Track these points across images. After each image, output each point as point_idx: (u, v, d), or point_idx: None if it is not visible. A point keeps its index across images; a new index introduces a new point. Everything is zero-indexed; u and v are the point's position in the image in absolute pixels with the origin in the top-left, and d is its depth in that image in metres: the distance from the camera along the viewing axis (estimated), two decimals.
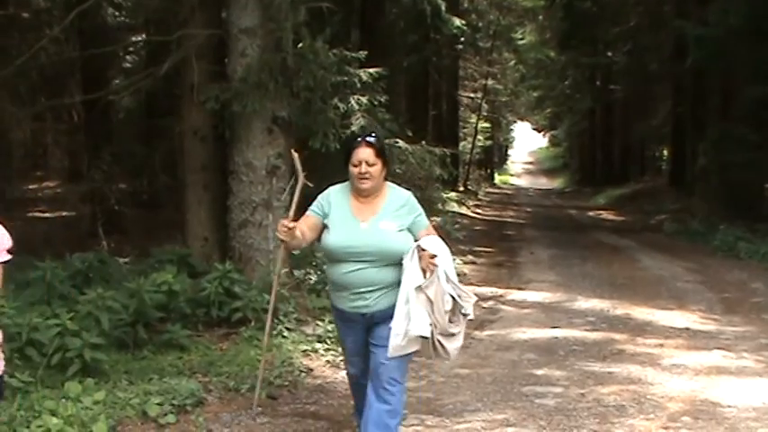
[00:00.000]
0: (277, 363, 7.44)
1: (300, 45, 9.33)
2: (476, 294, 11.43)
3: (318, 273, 10.05)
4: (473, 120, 41.24)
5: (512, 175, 66.92)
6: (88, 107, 15.98)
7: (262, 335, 8.03)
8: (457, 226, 19.42)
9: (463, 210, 26.85)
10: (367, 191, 4.96)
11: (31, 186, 21.17)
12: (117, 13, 17.42)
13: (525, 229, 23.55)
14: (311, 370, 7.62)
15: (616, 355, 8.31)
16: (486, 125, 45.60)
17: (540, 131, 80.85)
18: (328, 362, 7.92)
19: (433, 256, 4.74)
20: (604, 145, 46.19)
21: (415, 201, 5.11)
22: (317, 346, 8.19)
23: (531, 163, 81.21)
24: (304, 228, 4.99)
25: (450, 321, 4.83)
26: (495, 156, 59.91)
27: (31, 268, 8.32)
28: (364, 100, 10.73)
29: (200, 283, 8.35)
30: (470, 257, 15.83)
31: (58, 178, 21.77)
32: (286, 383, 7.12)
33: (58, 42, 13.09)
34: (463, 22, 21.47)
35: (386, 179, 5.08)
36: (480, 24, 30.86)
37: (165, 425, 6.01)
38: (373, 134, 5.01)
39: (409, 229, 5.01)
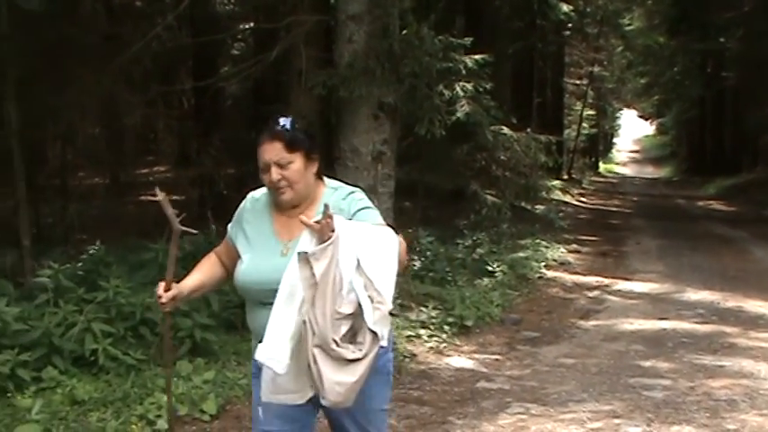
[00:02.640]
0: None
1: (405, 31, 9.34)
2: (580, 284, 11.44)
3: (422, 259, 10.06)
4: (578, 107, 40.64)
5: (617, 164, 65.64)
6: (198, 94, 16.35)
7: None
8: (561, 214, 19.18)
9: (567, 198, 26.51)
10: (290, 203, 3.37)
11: (142, 171, 21.75)
12: (226, 1, 17.72)
13: (631, 219, 23.09)
14: (415, 355, 7.64)
15: (727, 349, 8.09)
16: (592, 112, 44.90)
17: (646, 119, 79.11)
18: (432, 348, 7.93)
19: (330, 226, 2.96)
20: (715, 133, 44.94)
21: (362, 195, 3.42)
22: (421, 332, 8.20)
23: (636, 151, 79.49)
24: (213, 269, 3.60)
25: (344, 337, 2.96)
26: (599, 144, 58.88)
27: (144, 250, 8.55)
28: (469, 86, 10.69)
29: None
30: (575, 246, 15.64)
31: (169, 163, 22.31)
32: None
33: (171, 30, 13.37)
34: (570, 7, 21.19)
35: (320, 176, 3.45)
36: (588, 10, 30.30)
37: None
38: (280, 120, 3.37)
39: None
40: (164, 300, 3.33)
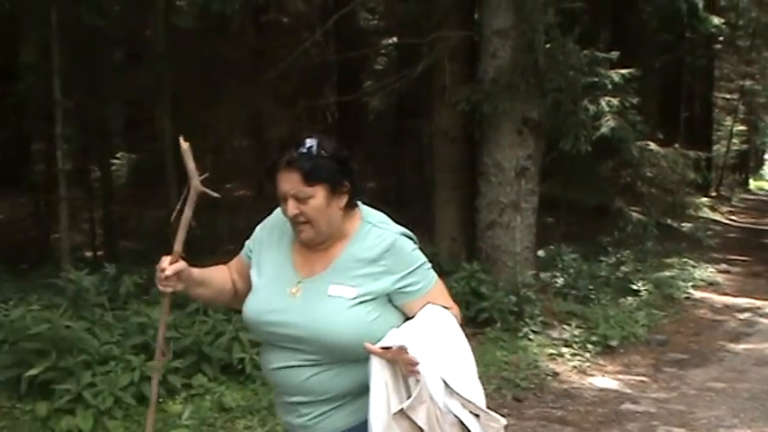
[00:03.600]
0: (522, 365, 7.41)
1: (549, 45, 9.25)
2: (730, 305, 11.02)
3: (565, 276, 9.92)
4: (728, 122, 39.31)
5: None
6: (342, 108, 16.63)
7: (507, 336, 8.07)
8: (709, 233, 18.56)
9: (716, 216, 25.64)
10: (311, 242, 2.83)
11: None
12: (371, 17, 17.95)
13: None
14: (557, 374, 7.53)
15: None
16: (743, 128, 43.35)
17: None
18: (575, 367, 7.80)
19: (412, 362, 2.55)
20: None
21: (410, 247, 2.82)
22: (564, 350, 8.09)
23: None
24: (219, 272, 3.08)
25: None
26: (750, 160, 56.82)
27: None
28: (615, 101, 10.52)
29: (448, 282, 8.42)
30: (724, 266, 15.09)
31: None
32: (531, 386, 7.07)
33: (318, 46, 13.63)
34: (722, 20, 20.52)
35: (350, 204, 2.82)
36: (740, 22, 29.33)
37: None
38: (305, 142, 2.73)
39: (390, 301, 2.81)
40: (168, 272, 2.73)
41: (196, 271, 2.89)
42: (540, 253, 10.50)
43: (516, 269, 8.99)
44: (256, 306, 2.83)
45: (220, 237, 12.95)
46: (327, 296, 2.75)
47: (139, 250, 12.34)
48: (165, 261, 2.75)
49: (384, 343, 2.61)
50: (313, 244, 2.82)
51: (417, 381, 2.56)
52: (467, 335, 7.89)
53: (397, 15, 15.25)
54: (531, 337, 8.23)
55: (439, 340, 2.70)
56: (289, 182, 2.72)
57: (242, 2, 14.48)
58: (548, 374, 7.42)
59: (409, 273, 2.80)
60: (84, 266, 7.77)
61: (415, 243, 2.86)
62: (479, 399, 2.69)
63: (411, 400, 2.56)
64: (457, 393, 2.64)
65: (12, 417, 5.76)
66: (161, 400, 5.99)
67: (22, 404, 5.90)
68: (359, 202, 2.87)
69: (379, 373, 2.63)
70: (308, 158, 2.69)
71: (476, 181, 9.59)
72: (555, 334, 8.43)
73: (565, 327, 8.60)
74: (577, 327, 8.65)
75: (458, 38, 9.73)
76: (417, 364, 2.54)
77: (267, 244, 2.97)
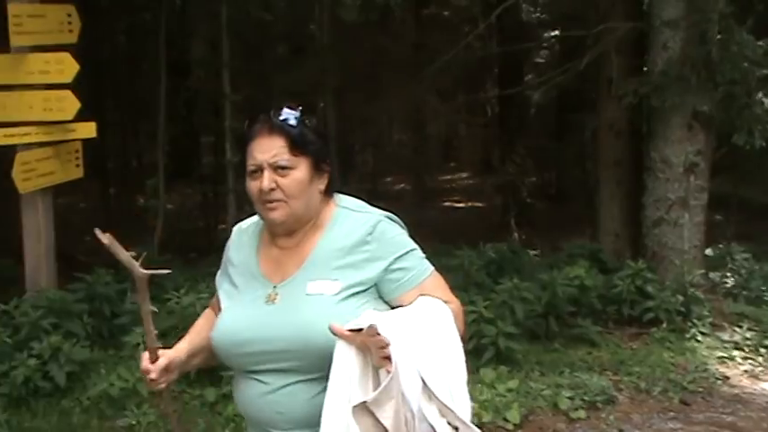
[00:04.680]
0: (690, 368, 7.15)
1: (722, 36, 8.89)
2: None
3: (736, 276, 9.53)
4: None
5: None
6: (502, 102, 16.51)
7: (674, 337, 7.81)
8: None
9: None
10: (282, 225, 2.42)
11: (444, 177, 22.25)
12: (533, 10, 17.75)
13: None
14: (727, 378, 7.22)
15: None
16: None
17: None
18: (746, 371, 7.46)
19: (382, 343, 2.08)
20: None
21: (396, 230, 2.46)
22: (735, 353, 7.74)
23: None
24: (204, 326, 2.64)
25: None
26: None
27: (449, 255, 8.73)
28: None
29: (612, 280, 8.25)
30: None
31: (470, 170, 22.68)
32: (700, 390, 6.80)
33: (480, 39, 13.59)
34: None
35: (327, 192, 2.46)
36: None
37: (576, 419, 5.99)
38: (285, 110, 2.40)
39: (380, 294, 2.41)
40: (153, 375, 2.41)
41: (181, 348, 2.54)
42: (709, 252, 10.10)
43: (684, 268, 8.69)
44: (227, 326, 2.41)
45: None
46: (306, 296, 2.34)
47: None
48: (145, 360, 2.42)
49: (353, 324, 2.15)
50: (283, 230, 2.44)
51: (388, 372, 2.08)
52: (631, 335, 7.66)
53: (560, 7, 15.02)
54: (699, 338, 7.93)
55: (425, 332, 2.26)
56: (269, 150, 2.35)
57: None
58: (717, 378, 7.13)
59: (397, 258, 2.40)
60: None
61: (403, 228, 2.49)
62: (463, 409, 2.23)
63: (377, 392, 2.10)
64: (436, 397, 2.18)
65: (182, 401, 5.98)
66: None
67: (192, 389, 6.12)
68: (333, 191, 2.51)
69: (343, 360, 2.17)
70: (294, 126, 2.36)
71: (641, 176, 9.31)
72: (725, 336, 8.08)
73: (736, 329, 8.24)
74: (749, 329, 8.27)
75: (625, 29, 9.48)
76: (388, 345, 2.07)
77: (232, 265, 2.56)
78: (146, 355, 2.43)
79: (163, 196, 11.20)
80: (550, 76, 11.18)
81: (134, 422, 5.68)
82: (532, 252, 10.06)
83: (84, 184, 11.53)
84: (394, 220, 2.49)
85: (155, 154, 12.28)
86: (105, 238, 2.24)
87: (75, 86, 6.67)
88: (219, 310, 2.54)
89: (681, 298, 8.16)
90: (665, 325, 7.92)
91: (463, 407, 2.24)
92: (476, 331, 6.79)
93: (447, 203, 18.90)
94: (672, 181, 8.95)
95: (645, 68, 9.36)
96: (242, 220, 2.66)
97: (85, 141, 7.15)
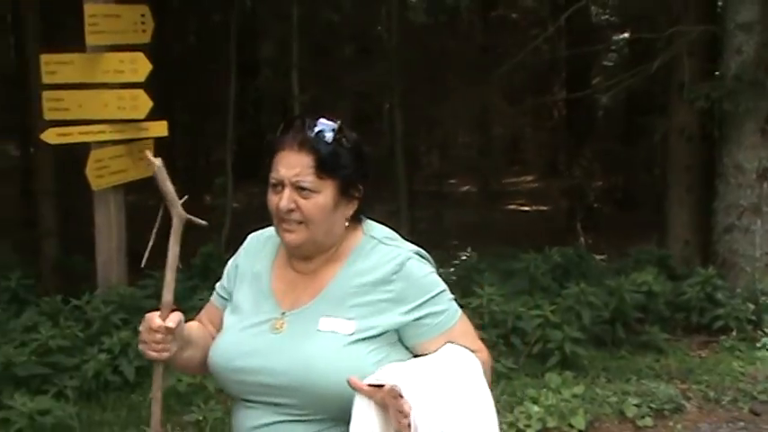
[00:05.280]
0: (761, 377, 7.01)
1: None
2: None
3: None
4: None
5: None
6: (570, 105, 16.38)
7: (744, 346, 7.66)
8: None
9: None
10: (297, 249, 2.20)
11: (510, 180, 22.13)
12: (602, 12, 17.57)
13: None
14: None
15: None
16: None
17: None
18: None
19: (402, 410, 1.92)
20: None
21: (426, 269, 2.20)
22: None
23: None
24: (198, 327, 2.37)
25: None
26: None
27: (514, 259, 8.69)
28: None
29: (681, 287, 8.13)
30: None
31: (536, 173, 22.52)
32: None
33: (549, 42, 13.51)
34: None
35: (357, 216, 2.24)
36: None
37: (643, 427, 5.92)
38: (317, 125, 2.14)
39: (400, 340, 2.18)
40: (170, 323, 2.07)
41: (191, 325, 2.29)
42: None
43: (755, 276, 8.53)
44: (227, 349, 2.18)
45: (446, 231, 13.08)
46: (317, 331, 2.11)
47: None
48: (154, 317, 2.08)
49: (374, 379, 1.99)
50: (298, 252, 2.21)
51: None
52: (700, 343, 7.52)
53: (630, 9, 14.84)
54: None
55: (452, 390, 2.03)
56: (293, 167, 2.11)
57: None
58: None
59: (425, 302, 2.16)
60: None
61: (432, 266, 2.25)
62: None
63: None
64: None
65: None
66: None
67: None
68: (363, 217, 2.27)
69: (362, 417, 2.00)
70: (326, 143, 2.12)
71: (713, 182, 9.16)
72: None
73: None
74: None
75: (697, 32, 9.33)
76: (409, 412, 1.91)
77: (241, 276, 2.34)
78: (154, 313, 2.10)
79: (230, 195, 11.33)
80: (620, 79, 11.05)
81: (200, 418, 5.75)
82: (599, 257, 9.97)
83: (154, 183, 11.70)
84: (424, 258, 2.24)
85: (222, 153, 12.42)
86: (156, 162, 2.06)
87: (148, 86, 6.79)
88: (215, 326, 2.34)
89: (752, 306, 8.02)
90: (734, 333, 7.78)
91: None
92: (541, 335, 6.76)
93: (512, 206, 18.80)
94: (744, 187, 8.79)
95: (717, 72, 9.19)
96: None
97: (156, 140, 7.26)
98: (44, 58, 6.94)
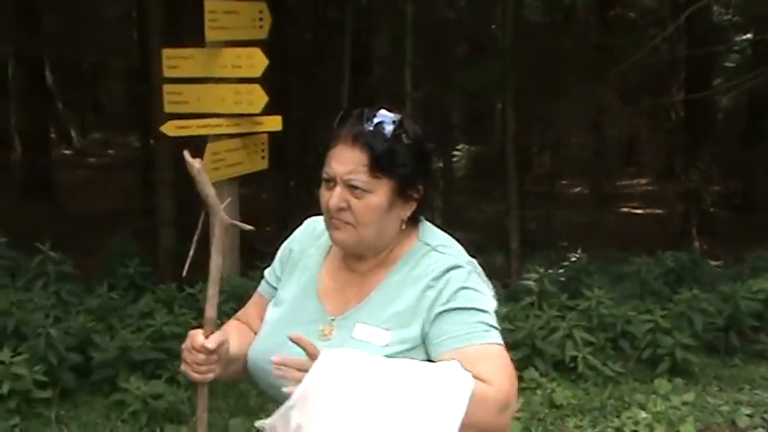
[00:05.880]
0: None
1: None
2: None
3: None
4: None
5: None
6: (688, 106, 15.99)
7: None
8: None
9: None
10: (347, 249, 2.08)
11: (623, 182, 21.78)
12: (725, 12, 17.10)
13: None
14: None
15: None
16: None
17: None
18: None
19: (302, 366, 1.79)
20: None
21: (470, 281, 2.01)
22: None
23: None
24: (239, 334, 2.21)
25: None
26: None
27: (625, 262, 8.56)
28: None
29: None
30: None
31: (651, 175, 22.11)
32: None
33: (669, 42, 13.23)
34: None
35: (415, 218, 2.09)
36: None
37: None
38: (375, 118, 1.98)
39: (426, 348, 1.97)
40: (201, 357, 1.95)
41: (231, 337, 2.10)
42: None
43: None
44: (270, 348, 2.01)
45: (557, 232, 12.95)
46: (351, 339, 1.97)
47: (475, 240, 12.63)
48: (197, 335, 1.96)
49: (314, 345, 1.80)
50: (348, 251, 2.09)
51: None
52: None
53: (754, 9, 14.39)
54: None
55: (393, 396, 1.77)
56: (347, 163, 1.97)
57: None
58: None
59: (450, 310, 1.95)
60: None
61: (483, 281, 2.05)
62: None
63: (273, 417, 1.85)
64: None
65: None
66: None
67: None
68: (423, 218, 2.13)
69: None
70: (383, 138, 1.96)
71: None
72: None
73: None
74: None
75: None
76: (305, 370, 1.77)
77: (291, 266, 2.22)
78: (197, 331, 1.98)
79: None
80: (741, 81, 10.78)
81: None
82: (714, 263, 9.71)
83: (266, 176, 11.91)
84: (476, 271, 2.05)
85: None
86: (196, 164, 1.90)
87: (264, 81, 6.92)
88: (260, 317, 2.21)
89: None
90: None
91: None
92: (651, 341, 6.63)
93: (625, 209, 18.50)
94: None
95: None
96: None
97: (270, 134, 7.40)
98: (166, 52, 7.16)
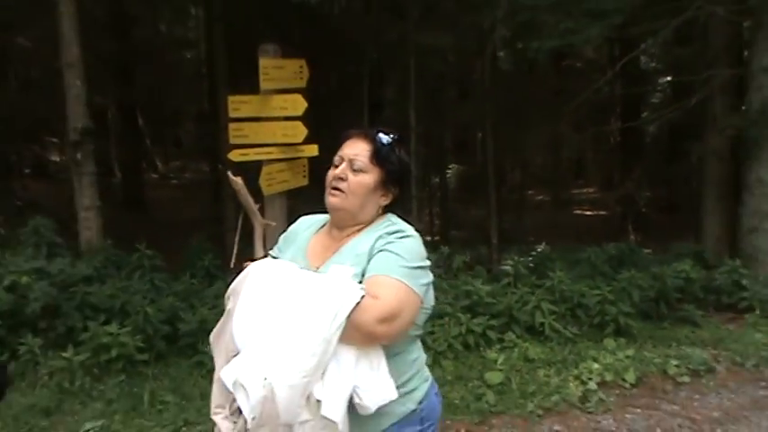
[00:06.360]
0: None
1: None
2: None
3: None
4: None
5: None
6: (623, 133, 15.96)
7: (765, 322, 7.31)
8: None
9: None
10: (337, 212, 2.19)
11: (575, 191, 21.72)
12: (650, 60, 17.06)
13: None
14: None
15: None
16: None
17: None
18: None
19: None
20: None
21: (410, 241, 2.10)
22: None
23: None
24: None
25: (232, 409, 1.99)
26: None
27: (579, 251, 8.55)
28: None
29: (712, 275, 7.85)
30: None
31: (596, 186, 22.04)
32: None
33: (608, 84, 13.19)
34: None
35: (388, 208, 2.24)
36: None
37: (681, 383, 5.75)
38: (386, 134, 2.20)
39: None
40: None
41: None
42: None
43: None
44: None
45: (526, 230, 12.92)
46: (328, 270, 2.09)
47: (465, 237, 12.62)
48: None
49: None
50: (336, 218, 2.20)
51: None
52: (729, 319, 7.22)
53: (672, 58, 14.35)
54: None
55: (292, 294, 1.87)
56: (355, 149, 2.17)
57: (548, 50, 14.35)
58: None
59: (383, 251, 2.05)
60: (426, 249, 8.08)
61: (420, 247, 2.11)
62: (279, 371, 1.80)
63: (236, 283, 2.03)
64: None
65: None
66: (481, 348, 6.08)
67: None
68: (394, 213, 2.25)
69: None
70: (383, 144, 2.17)
71: (739, 193, 8.80)
72: None
73: None
74: None
75: (727, 75, 8.97)
76: (246, 274, 1.97)
77: (287, 244, 2.34)
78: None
79: None
80: (664, 113, 10.73)
81: None
82: (646, 251, 9.67)
83: (306, 191, 11.92)
84: (419, 243, 2.12)
85: None
86: (237, 182, 1.88)
87: (304, 118, 6.93)
88: None
89: None
90: (757, 312, 7.46)
91: (282, 368, 1.81)
92: (600, 310, 6.62)
93: (578, 212, 18.43)
94: (765, 196, 8.42)
95: (744, 107, 8.84)
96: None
97: (309, 159, 7.40)
98: (230, 98, 7.15)
